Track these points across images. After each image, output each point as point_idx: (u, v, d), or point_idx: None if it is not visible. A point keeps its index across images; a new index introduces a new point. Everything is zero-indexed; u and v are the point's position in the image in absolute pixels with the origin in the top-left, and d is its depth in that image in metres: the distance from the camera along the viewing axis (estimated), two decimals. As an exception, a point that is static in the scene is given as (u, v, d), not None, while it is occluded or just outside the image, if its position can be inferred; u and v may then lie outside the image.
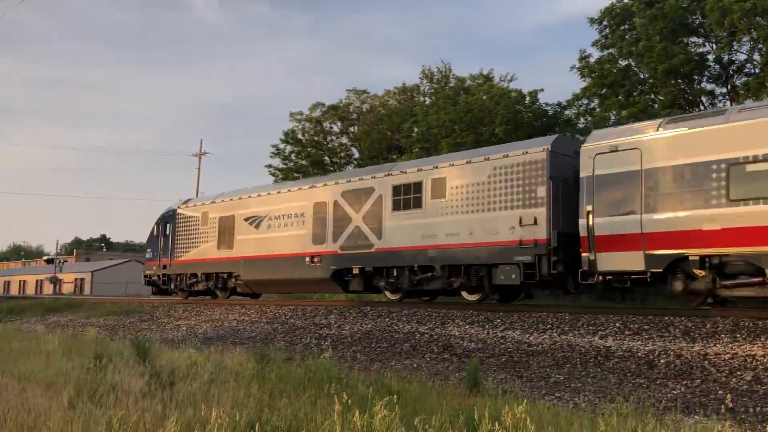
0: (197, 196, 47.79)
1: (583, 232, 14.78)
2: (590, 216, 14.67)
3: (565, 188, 15.82)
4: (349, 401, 6.97)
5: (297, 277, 22.00)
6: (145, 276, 28.49)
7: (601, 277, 14.61)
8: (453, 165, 18.17)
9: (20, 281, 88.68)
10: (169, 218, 27.78)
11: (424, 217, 18.31)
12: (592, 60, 30.28)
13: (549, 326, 13.78)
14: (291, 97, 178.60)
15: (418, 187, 18.65)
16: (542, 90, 36.05)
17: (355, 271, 20.13)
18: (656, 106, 27.90)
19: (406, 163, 20.79)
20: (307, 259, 21.48)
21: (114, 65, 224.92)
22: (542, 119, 35.17)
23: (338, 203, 20.84)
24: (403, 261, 18.72)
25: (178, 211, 27.55)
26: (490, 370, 11.91)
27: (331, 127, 54.28)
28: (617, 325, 13.05)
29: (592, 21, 29.92)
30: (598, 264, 14.48)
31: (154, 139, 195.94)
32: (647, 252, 13.81)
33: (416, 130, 40.19)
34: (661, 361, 11.10)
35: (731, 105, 23.96)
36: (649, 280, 13.93)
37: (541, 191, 15.92)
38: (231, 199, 25.20)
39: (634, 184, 14.10)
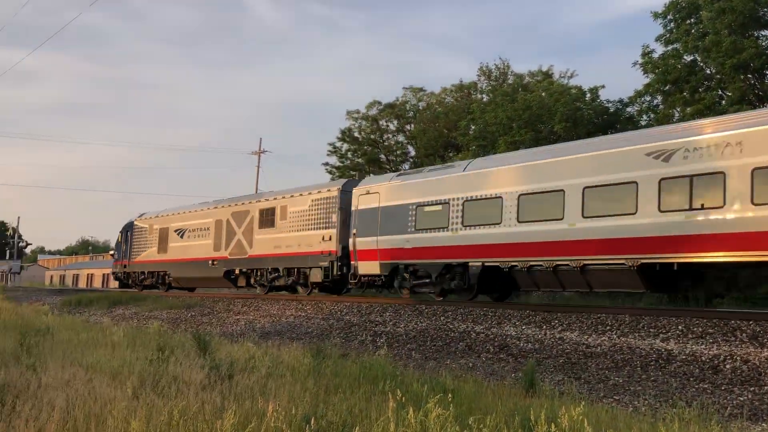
0: (252, 193, 49.03)
1: (351, 247, 21.89)
2: (354, 236, 21.77)
3: (348, 216, 22.56)
4: (404, 399, 6.99)
5: (204, 276, 29.91)
6: (113, 273, 37.45)
7: (361, 279, 21.91)
8: (292, 197, 25.38)
9: (88, 275, 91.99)
10: (128, 228, 35.78)
11: (276, 233, 25.58)
12: (655, 55, 29.41)
13: (608, 328, 13.49)
14: (348, 96, 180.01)
15: (272, 211, 26.04)
16: (603, 86, 35.26)
17: (237, 271, 27.75)
18: (724, 102, 26.91)
19: (269, 193, 28.02)
20: (210, 262, 28.89)
21: (177, 65, 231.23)
22: (603, 116, 34.40)
23: (229, 221, 28.18)
24: (265, 264, 26.12)
25: (135, 222, 35.44)
26: (546, 372, 11.74)
27: (388, 125, 54.40)
28: (680, 328, 12.67)
29: (656, 15, 29.08)
30: (358, 269, 21.72)
31: (217, 137, 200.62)
32: (380, 261, 20.89)
33: (473, 127, 39.87)
34: (727, 366, 10.72)
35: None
36: (383, 280, 21.29)
37: (334, 218, 23.23)
38: (168, 215, 33.08)
39: (375, 215, 21.16)
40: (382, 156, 53.92)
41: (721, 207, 13.25)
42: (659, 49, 29.26)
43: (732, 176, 13.12)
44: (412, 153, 52.93)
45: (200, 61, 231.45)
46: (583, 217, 15.54)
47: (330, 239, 23.00)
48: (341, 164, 54.48)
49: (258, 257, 26.30)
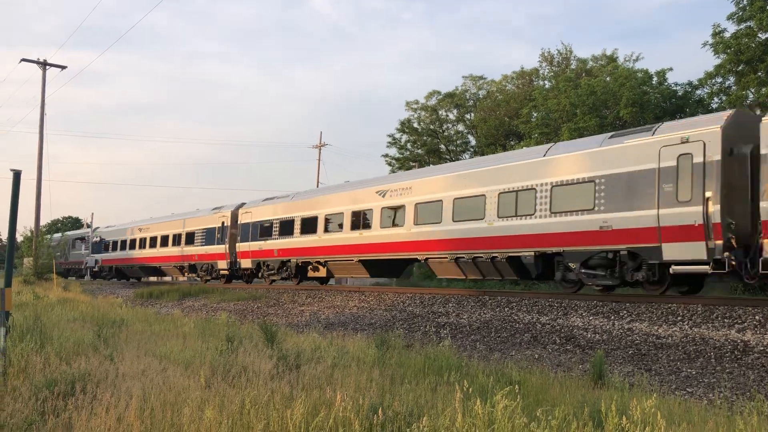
0: (317, 186, 49.82)
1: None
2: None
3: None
4: (470, 390, 6.96)
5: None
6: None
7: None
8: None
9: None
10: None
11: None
12: (727, 35, 28.18)
13: (680, 318, 13.09)
14: (408, 87, 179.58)
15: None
16: (671, 69, 34.15)
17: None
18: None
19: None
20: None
21: (238, 62, 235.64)
22: (671, 100, 33.29)
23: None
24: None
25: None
26: (615, 363, 11.50)
27: (447, 115, 54.09)
28: (757, 318, 12.18)
29: (728, -7, 27.83)
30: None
31: (277, 132, 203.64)
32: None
33: (535, 115, 39.23)
34: (809, 358, 10.26)
35: None
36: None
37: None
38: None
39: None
40: (442, 146, 53.67)
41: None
42: (731, 29, 28.02)
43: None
44: (473, 142, 52.45)
45: (260, 58, 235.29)
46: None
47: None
48: (401, 155, 54.51)
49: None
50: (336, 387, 7.24)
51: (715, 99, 31.22)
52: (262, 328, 11.71)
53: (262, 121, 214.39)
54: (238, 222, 32.28)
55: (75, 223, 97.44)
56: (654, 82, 34.11)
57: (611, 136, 16.55)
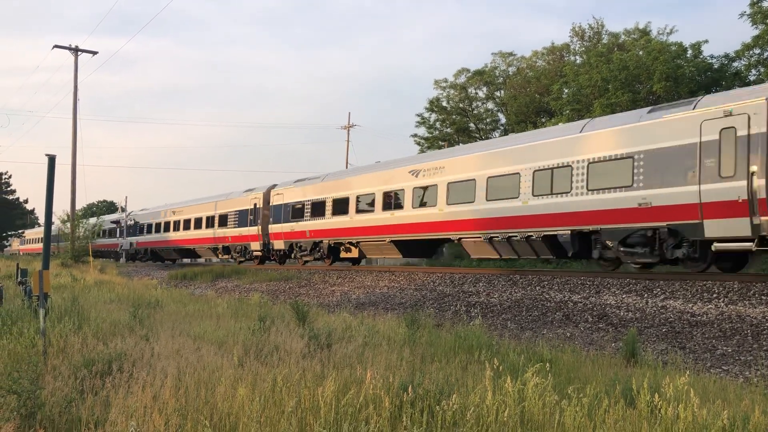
0: (346, 167, 49.95)
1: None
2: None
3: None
4: (500, 368, 6.96)
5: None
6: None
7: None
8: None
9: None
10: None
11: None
12: (765, 4, 27.34)
13: (715, 295, 12.88)
14: (437, 66, 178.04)
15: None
16: (706, 41, 33.29)
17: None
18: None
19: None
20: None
21: (266, 46, 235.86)
22: (706, 73, 32.47)
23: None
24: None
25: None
26: (648, 341, 11.38)
27: (477, 93, 53.51)
28: (795, 295, 11.92)
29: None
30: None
31: (307, 114, 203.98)
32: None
33: (566, 91, 38.64)
34: None
35: None
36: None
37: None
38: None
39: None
40: (471, 124, 53.18)
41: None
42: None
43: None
44: (503, 120, 51.89)
45: (288, 40, 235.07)
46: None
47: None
48: (430, 135, 54.18)
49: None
50: (366, 365, 7.29)
51: (753, 71, 30.42)
52: (294, 308, 11.83)
53: (292, 103, 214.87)
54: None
55: (110, 206, 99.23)
56: (689, 55, 33.30)
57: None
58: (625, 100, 31.61)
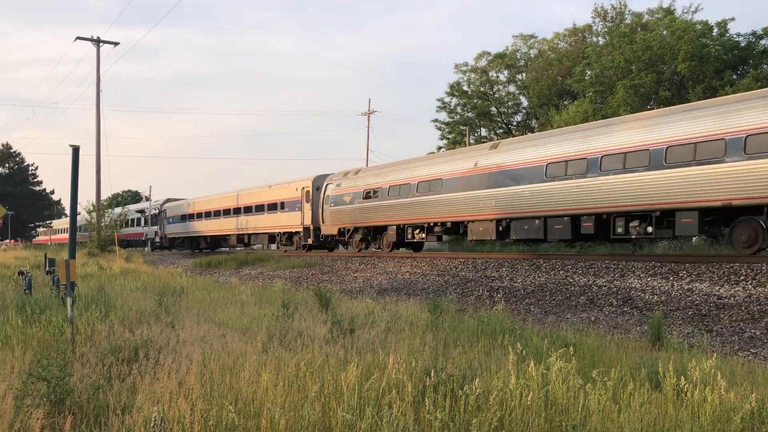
0: (366, 153, 50.01)
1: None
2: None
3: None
4: (524, 352, 6.92)
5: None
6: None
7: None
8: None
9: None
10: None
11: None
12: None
13: (742, 278, 12.69)
14: (458, 50, 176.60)
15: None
16: (733, 19, 32.57)
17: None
18: None
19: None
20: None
21: (283, 32, 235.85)
22: (733, 52, 31.82)
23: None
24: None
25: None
26: (674, 324, 11.26)
27: (498, 76, 53.02)
28: (826, 276, 11.71)
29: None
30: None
31: (326, 100, 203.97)
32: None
33: (589, 73, 38.15)
34: None
35: None
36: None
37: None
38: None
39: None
40: (493, 108, 52.74)
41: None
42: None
43: None
44: (525, 103, 51.38)
45: (305, 25, 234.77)
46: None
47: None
48: (450, 119, 53.87)
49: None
50: (389, 350, 7.30)
51: (781, 49, 29.80)
52: (317, 295, 11.88)
53: (312, 88, 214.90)
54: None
55: (134, 196, 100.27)
56: (714, 34, 32.65)
57: None
58: (649, 81, 31.13)
